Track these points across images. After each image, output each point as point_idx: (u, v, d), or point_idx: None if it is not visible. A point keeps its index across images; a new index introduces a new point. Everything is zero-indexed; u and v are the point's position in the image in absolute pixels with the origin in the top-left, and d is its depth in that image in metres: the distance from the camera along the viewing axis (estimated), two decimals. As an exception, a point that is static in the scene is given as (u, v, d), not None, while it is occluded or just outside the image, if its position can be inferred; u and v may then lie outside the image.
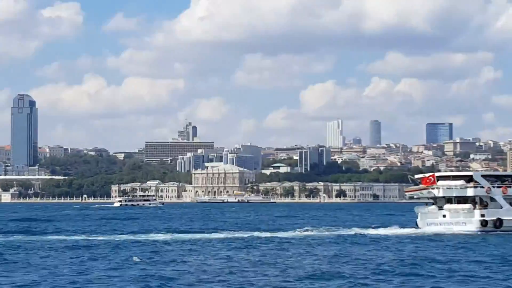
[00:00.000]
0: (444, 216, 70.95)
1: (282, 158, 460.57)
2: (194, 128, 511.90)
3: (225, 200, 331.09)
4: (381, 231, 71.52)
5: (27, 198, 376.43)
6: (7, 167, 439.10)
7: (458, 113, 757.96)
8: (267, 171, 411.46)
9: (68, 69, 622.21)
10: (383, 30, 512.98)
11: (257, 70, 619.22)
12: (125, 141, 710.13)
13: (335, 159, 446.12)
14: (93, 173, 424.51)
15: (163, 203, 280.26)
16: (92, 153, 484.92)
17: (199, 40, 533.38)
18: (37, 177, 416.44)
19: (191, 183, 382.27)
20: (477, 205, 69.79)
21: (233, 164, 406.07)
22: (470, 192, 69.85)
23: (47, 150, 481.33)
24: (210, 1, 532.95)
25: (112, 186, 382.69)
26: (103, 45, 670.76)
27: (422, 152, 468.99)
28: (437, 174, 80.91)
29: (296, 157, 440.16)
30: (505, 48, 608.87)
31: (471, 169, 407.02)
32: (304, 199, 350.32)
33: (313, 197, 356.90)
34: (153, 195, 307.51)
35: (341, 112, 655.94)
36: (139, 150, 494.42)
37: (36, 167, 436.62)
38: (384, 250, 49.70)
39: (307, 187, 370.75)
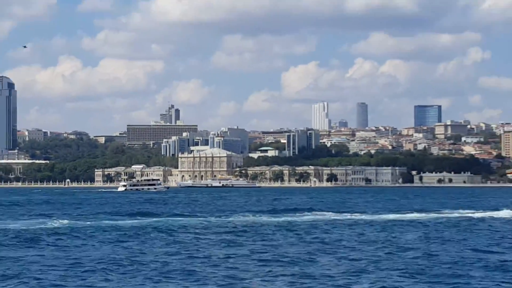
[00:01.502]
0: None
1: (269, 141, 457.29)
2: (177, 111, 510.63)
3: (209, 185, 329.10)
4: (502, 214, 75.33)
5: (8, 183, 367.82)
6: None
7: (444, 95, 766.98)
8: (255, 155, 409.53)
9: (43, 50, 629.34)
10: (367, 10, 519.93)
11: (237, 52, 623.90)
12: (103, 124, 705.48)
13: (324, 142, 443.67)
14: (75, 157, 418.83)
15: (168, 188, 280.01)
16: (72, 136, 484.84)
17: (177, 20, 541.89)
18: (17, 161, 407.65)
19: (177, 167, 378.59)
20: None
21: (219, 147, 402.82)
22: None
23: (26, 133, 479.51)
24: None
25: (96, 170, 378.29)
26: (78, 26, 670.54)
27: (412, 135, 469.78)
28: None
29: (283, 141, 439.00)
30: (493, 28, 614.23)
31: (464, 152, 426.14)
32: (294, 184, 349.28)
33: (303, 181, 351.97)
34: (158, 180, 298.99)
35: (324, 94, 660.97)
36: (120, 134, 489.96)
37: (16, 151, 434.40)
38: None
39: (297, 171, 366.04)
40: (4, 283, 25.79)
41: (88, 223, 67.76)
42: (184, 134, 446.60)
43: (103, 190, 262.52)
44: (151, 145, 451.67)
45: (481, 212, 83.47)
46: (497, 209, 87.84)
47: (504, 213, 76.99)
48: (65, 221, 69.01)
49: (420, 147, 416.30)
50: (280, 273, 29.39)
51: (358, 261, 34.82)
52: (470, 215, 77.30)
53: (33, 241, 47.08)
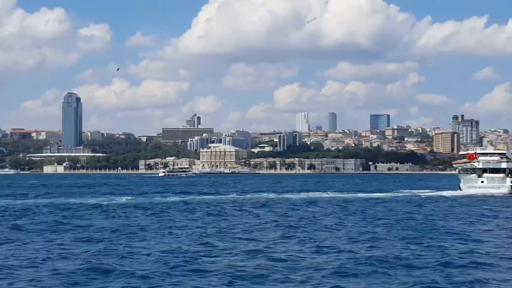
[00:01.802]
0: (482, 182, 74.17)
1: (266, 140, 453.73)
2: (198, 118, 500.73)
3: (222, 172, 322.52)
4: (445, 193, 75.44)
5: (76, 170, 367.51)
6: (60, 147, 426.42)
7: (392, 107, 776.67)
8: (255, 150, 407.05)
9: (100, 74, 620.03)
10: (336, 45, 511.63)
11: (242, 76, 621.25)
12: (145, 128, 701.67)
13: (305, 141, 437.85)
14: (124, 151, 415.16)
15: (195, 174, 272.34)
16: (122, 136, 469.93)
17: (198, 53, 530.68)
18: (82, 154, 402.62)
19: (198, 159, 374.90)
20: (508, 175, 73.76)
21: (230, 144, 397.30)
22: (503, 165, 73.60)
23: (89, 134, 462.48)
24: (206, 24, 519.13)
25: (140, 161, 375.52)
26: (126, 57, 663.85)
27: (368, 136, 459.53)
28: (478, 151, 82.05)
29: (276, 140, 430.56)
30: (427, 59, 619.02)
31: (407, 148, 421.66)
32: (283, 171, 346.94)
33: (290, 169, 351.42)
34: (188, 168, 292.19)
35: (305, 106, 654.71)
36: (157, 134, 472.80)
37: (81, 147, 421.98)
38: (462, 204, 55.67)
39: (286, 162, 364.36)
40: (91, 245, 25.36)
41: (143, 199, 66.33)
42: (204, 135, 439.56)
43: (147, 175, 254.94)
44: (180, 143, 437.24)
45: (427, 192, 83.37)
46: (439, 190, 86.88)
47: (446, 193, 76.08)
48: (128, 197, 69.31)
49: (374, 144, 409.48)
50: (291, 234, 30.15)
51: (344, 222, 37.36)
52: (418, 194, 78.18)
53: (107, 212, 46.92)
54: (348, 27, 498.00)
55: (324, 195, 77.99)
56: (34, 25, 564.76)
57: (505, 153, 79.30)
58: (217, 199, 66.61)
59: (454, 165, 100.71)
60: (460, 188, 78.78)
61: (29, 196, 77.31)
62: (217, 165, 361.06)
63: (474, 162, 76.45)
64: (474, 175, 77.08)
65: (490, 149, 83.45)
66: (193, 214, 46.03)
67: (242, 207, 54.69)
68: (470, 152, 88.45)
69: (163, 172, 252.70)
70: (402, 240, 28.57)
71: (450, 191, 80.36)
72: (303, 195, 77.34)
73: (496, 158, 76.34)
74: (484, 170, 75.61)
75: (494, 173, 75.47)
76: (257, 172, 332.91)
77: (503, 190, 72.42)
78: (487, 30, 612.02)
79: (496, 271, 19.54)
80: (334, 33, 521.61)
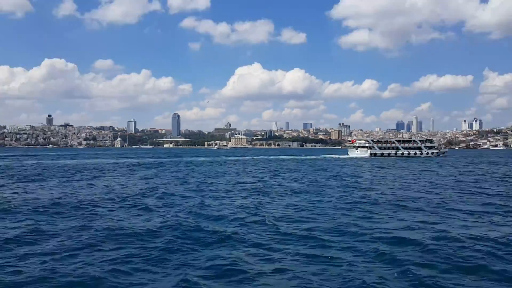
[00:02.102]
0: (357, 152, 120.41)
1: (259, 133, 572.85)
2: (229, 123, 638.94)
3: (228, 147, 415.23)
4: (343, 156, 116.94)
5: (178, 145, 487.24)
6: (171, 136, 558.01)
7: (311, 119, 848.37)
8: (255, 137, 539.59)
9: (189, 105, 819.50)
10: (289, 93, 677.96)
11: (248, 107, 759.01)
12: (206, 128, 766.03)
13: (276, 134, 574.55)
14: (198, 138, 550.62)
15: (229, 148, 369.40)
16: (197, 131, 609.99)
17: (230, 96, 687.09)
18: (180, 139, 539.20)
19: (230, 141, 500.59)
20: (369, 149, 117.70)
21: (244, 135, 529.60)
22: (367, 144, 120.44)
23: (183, 130, 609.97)
24: (233, 83, 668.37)
25: (205, 142, 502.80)
26: (200, 98, 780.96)
27: (302, 131, 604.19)
28: (356, 139, 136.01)
29: (263, 133, 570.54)
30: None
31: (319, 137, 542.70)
32: (267, 146, 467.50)
33: (269, 146, 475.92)
34: (227, 145, 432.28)
35: (275, 119, 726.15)
36: (212, 130, 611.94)
37: (180, 136, 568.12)
38: (354, 164, 77.93)
39: (267, 143, 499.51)
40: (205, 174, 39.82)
41: (203, 158, 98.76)
42: (232, 131, 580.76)
43: (209, 149, 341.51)
44: (222, 134, 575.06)
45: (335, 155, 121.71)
46: (338, 155, 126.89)
47: (343, 156, 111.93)
48: (203, 158, 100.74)
49: (306, 135, 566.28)
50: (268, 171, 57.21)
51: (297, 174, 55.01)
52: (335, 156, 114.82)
53: (201, 166, 66.88)
54: (293, 85, 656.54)
55: (284, 157, 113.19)
56: (159, 84, 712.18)
57: (367, 140, 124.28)
58: (243, 159, 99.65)
59: (346, 144, 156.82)
60: (348, 154, 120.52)
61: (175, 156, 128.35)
62: (238, 145, 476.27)
63: (355, 143, 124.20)
64: (353, 149, 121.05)
65: (361, 138, 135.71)
66: (227, 165, 68.23)
67: (254, 161, 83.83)
68: (352, 139, 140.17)
69: (217, 147, 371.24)
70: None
71: (343, 155, 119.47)
72: (276, 157, 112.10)
73: (363, 141, 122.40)
74: (358, 147, 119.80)
75: (362, 148, 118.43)
76: (255, 147, 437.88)
77: (366, 155, 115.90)
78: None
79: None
80: (287, 87, 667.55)
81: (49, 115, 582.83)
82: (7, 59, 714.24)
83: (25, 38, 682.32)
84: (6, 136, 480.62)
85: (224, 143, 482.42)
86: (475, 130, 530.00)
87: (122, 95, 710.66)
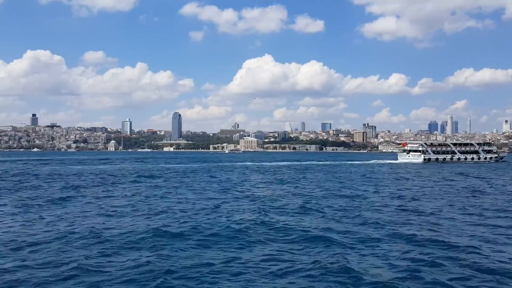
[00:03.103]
0: (409, 156, 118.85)
1: (271, 135, 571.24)
2: (237, 124, 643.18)
3: (240, 151, 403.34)
4: (392, 161, 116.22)
5: (179, 149, 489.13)
6: (171, 138, 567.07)
7: (331, 119, 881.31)
8: (266, 140, 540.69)
9: (190, 103, 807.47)
10: (304, 89, 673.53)
11: (257, 104, 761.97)
12: (211, 129, 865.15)
13: (290, 136, 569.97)
14: (202, 140, 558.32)
15: (242, 152, 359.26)
16: (201, 133, 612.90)
17: (236, 92, 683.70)
18: (182, 142, 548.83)
19: (239, 144, 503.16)
20: (422, 154, 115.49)
21: (254, 137, 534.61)
22: (420, 148, 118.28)
23: (185, 132, 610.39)
24: (240, 78, 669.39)
25: (210, 145, 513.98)
26: (202, 94, 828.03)
27: (321, 133, 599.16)
28: (408, 142, 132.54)
29: (276, 135, 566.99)
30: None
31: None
32: (280, 150, 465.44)
33: (282, 149, 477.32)
34: (239, 149, 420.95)
35: (288, 119, 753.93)
36: (218, 132, 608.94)
37: (181, 138, 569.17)
38: (407, 166, 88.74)
39: (281, 146, 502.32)
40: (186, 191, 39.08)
41: (219, 164, 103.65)
42: (241, 132, 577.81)
43: (217, 153, 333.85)
44: (229, 136, 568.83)
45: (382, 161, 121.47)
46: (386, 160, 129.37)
47: (392, 161, 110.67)
48: (214, 163, 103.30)
49: (324, 137, 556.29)
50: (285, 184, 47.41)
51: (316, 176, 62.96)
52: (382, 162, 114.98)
53: (209, 171, 70.25)
54: (309, 79, 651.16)
55: (304, 162, 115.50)
56: (157, 79, 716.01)
57: (421, 143, 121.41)
58: (260, 164, 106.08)
59: (395, 148, 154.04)
60: (397, 159, 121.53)
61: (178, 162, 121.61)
62: (248, 148, 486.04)
63: (406, 147, 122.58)
64: (404, 153, 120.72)
65: (413, 142, 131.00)
66: (249, 169, 75.57)
67: (263, 166, 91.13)
68: (403, 142, 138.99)
69: (228, 150, 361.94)
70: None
71: (393, 160, 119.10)
72: (292, 162, 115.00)
73: (416, 145, 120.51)
74: (410, 151, 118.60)
75: (415, 152, 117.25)
76: (267, 151, 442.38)
77: (419, 160, 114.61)
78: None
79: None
80: (302, 82, 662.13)
81: (33, 115, 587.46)
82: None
83: (5, 27, 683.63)
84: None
85: (238, 146, 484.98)
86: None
87: (115, 92, 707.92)
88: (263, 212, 26.03)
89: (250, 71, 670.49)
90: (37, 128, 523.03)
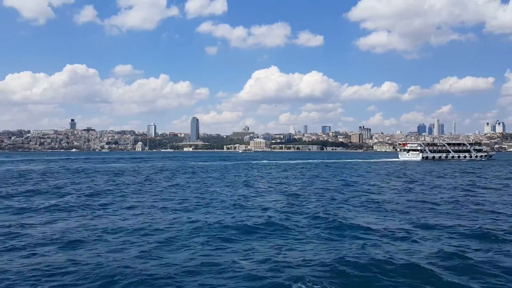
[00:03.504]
0: (409, 155, 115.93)
1: (277, 137, 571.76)
2: (247, 127, 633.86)
3: (252, 151, 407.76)
4: (391, 159, 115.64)
5: (197, 149, 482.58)
6: (190, 140, 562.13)
7: (329, 122, 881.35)
8: (273, 141, 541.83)
9: (206, 109, 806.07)
10: (306, 96, 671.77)
11: (265, 110, 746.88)
12: (224, 131, 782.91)
13: (294, 137, 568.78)
14: (216, 141, 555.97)
15: (253, 151, 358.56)
16: (215, 135, 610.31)
17: (246, 99, 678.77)
18: (199, 143, 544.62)
19: (249, 145, 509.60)
20: (421, 153, 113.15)
21: (262, 139, 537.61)
22: (419, 148, 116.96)
23: (202, 134, 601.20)
24: (249, 87, 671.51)
25: (224, 146, 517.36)
26: (216, 102, 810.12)
27: (321, 134, 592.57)
28: (408, 142, 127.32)
29: (281, 137, 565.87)
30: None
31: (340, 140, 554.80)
32: (285, 150, 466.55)
33: (287, 149, 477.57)
34: (251, 149, 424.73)
35: (292, 122, 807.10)
36: (231, 134, 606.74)
37: (199, 140, 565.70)
38: (400, 164, 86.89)
39: (286, 146, 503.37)
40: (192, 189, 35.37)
41: (233, 162, 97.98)
42: (251, 135, 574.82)
43: (232, 152, 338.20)
44: (240, 137, 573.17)
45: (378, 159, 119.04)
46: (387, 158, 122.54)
47: (393, 159, 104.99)
48: (228, 162, 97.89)
49: (325, 139, 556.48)
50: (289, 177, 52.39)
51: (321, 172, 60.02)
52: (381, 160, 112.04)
53: (248, 168, 68.01)
54: (311, 88, 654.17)
55: (310, 160, 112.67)
56: (177, 88, 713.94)
57: (419, 143, 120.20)
58: (270, 162, 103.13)
59: (397, 147, 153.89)
60: (398, 157, 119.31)
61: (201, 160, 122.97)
62: (257, 148, 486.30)
63: (406, 146, 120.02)
64: (404, 152, 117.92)
65: (412, 142, 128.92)
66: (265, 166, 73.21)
67: (275, 164, 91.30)
68: (403, 142, 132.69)
69: (241, 150, 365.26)
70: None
71: (394, 158, 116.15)
72: (296, 161, 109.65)
73: (415, 145, 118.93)
74: (410, 150, 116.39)
75: (414, 151, 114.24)
76: (274, 151, 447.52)
77: (418, 158, 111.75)
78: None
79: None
80: (305, 90, 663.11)
81: (72, 120, 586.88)
82: (30, 65, 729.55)
83: (47, 44, 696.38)
84: (30, 140, 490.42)
85: (249, 147, 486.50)
86: (498, 132, 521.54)
87: (141, 100, 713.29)
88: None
89: (259, 80, 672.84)
90: (75, 131, 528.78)
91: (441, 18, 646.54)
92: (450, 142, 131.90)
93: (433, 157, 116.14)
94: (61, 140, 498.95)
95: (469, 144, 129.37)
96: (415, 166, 79.71)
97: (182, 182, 42.42)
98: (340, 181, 44.60)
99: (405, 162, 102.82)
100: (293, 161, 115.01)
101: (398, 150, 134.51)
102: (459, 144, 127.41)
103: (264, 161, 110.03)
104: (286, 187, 35.64)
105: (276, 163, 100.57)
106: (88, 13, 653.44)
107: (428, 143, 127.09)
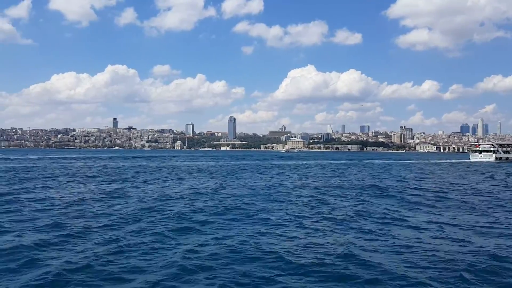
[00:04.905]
0: (481, 156, 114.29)
1: (315, 136, 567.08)
2: (284, 126, 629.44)
3: (295, 150, 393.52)
4: (460, 160, 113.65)
5: (234, 148, 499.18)
6: (227, 139, 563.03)
7: (368, 122, 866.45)
8: (311, 141, 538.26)
9: (241, 108, 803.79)
10: (343, 95, 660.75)
11: (300, 109, 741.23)
12: (261, 131, 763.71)
13: (332, 137, 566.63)
14: (254, 141, 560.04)
15: (294, 151, 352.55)
16: (252, 134, 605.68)
17: (282, 99, 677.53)
18: (236, 142, 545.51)
19: (286, 144, 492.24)
20: (494, 153, 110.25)
21: (300, 138, 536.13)
22: (492, 148, 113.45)
23: (239, 133, 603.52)
24: (285, 86, 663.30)
25: (261, 145, 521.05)
26: (252, 102, 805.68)
27: (361, 134, 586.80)
28: (480, 143, 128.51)
29: (319, 136, 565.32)
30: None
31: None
32: (324, 150, 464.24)
33: (326, 149, 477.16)
34: (292, 148, 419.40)
35: (329, 122, 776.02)
36: (268, 134, 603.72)
37: (236, 139, 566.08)
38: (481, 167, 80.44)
39: (325, 146, 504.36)
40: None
41: (277, 162, 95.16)
42: (288, 134, 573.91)
43: (273, 151, 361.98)
44: (277, 137, 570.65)
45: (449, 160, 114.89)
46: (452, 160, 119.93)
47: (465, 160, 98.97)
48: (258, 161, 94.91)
49: (364, 138, 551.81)
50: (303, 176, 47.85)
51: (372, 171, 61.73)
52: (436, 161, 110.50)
53: (265, 169, 62.98)
54: (348, 86, 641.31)
55: (374, 161, 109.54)
56: (213, 88, 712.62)
57: (492, 144, 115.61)
58: (329, 162, 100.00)
59: (468, 149, 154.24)
60: (469, 158, 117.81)
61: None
62: (294, 148, 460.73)
63: (479, 148, 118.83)
64: (476, 153, 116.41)
65: (485, 143, 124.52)
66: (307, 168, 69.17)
67: (311, 163, 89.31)
68: (476, 143, 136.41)
69: (285, 150, 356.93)
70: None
71: (465, 160, 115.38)
72: (339, 161, 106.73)
73: (488, 145, 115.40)
74: (482, 151, 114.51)
75: (486, 152, 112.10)
76: (312, 150, 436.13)
77: (491, 159, 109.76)
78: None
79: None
80: (342, 89, 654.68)
81: (114, 119, 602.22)
82: (74, 65, 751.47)
83: (90, 45, 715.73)
84: (75, 138, 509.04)
85: (286, 146, 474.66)
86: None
87: (178, 99, 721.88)
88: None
89: (294, 79, 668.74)
90: (117, 130, 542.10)
91: (484, 15, 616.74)
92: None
93: (507, 158, 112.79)
94: (104, 138, 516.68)
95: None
96: (494, 168, 78.06)
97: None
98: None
99: (479, 163, 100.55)
100: (343, 161, 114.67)
101: (469, 151, 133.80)
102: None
103: (319, 162, 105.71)
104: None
105: (330, 163, 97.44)
106: (128, 15, 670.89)
107: (501, 144, 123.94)
